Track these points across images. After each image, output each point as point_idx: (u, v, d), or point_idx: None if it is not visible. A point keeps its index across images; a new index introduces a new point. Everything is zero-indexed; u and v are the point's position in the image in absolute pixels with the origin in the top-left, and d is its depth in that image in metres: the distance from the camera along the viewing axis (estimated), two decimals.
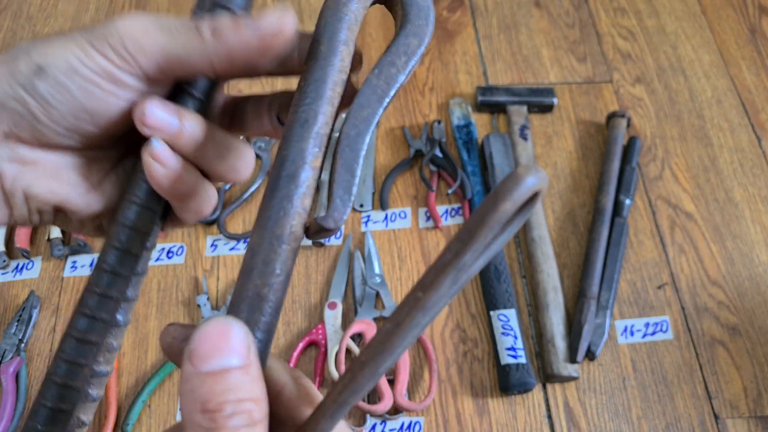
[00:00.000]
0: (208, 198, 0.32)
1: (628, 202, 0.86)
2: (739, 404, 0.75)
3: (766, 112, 0.98)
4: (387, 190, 0.88)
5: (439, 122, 0.94)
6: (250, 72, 0.31)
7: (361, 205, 0.87)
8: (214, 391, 0.21)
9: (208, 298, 0.80)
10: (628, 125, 0.94)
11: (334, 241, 0.85)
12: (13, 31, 1.06)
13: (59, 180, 0.30)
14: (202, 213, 0.32)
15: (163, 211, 0.31)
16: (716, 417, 0.74)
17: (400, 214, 0.87)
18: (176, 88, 0.30)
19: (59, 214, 0.31)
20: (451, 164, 0.89)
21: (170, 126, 0.28)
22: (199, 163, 0.30)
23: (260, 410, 0.22)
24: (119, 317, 0.29)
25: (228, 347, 0.22)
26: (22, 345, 0.77)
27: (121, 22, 0.28)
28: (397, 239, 0.86)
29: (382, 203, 0.87)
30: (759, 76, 1.02)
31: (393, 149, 0.93)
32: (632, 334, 0.79)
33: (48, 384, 0.29)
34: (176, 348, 0.27)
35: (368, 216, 0.87)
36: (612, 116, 0.93)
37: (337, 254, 0.84)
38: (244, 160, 0.32)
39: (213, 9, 0.30)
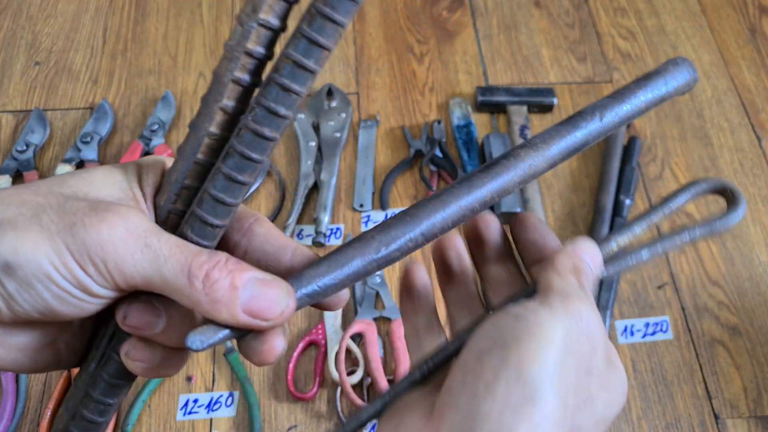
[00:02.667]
0: (182, 364, 0.30)
1: (628, 202, 0.86)
2: (739, 404, 0.75)
3: (766, 112, 0.98)
4: (387, 190, 0.88)
5: (439, 122, 0.94)
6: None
7: (361, 205, 0.87)
8: None
9: None
10: (628, 125, 0.94)
11: (334, 241, 0.85)
12: (13, 31, 1.06)
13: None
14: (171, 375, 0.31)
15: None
16: (716, 417, 0.74)
17: None
18: None
19: None
20: (451, 164, 0.89)
21: (151, 327, 0.27)
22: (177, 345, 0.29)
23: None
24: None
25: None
26: None
27: (107, 233, 0.25)
28: None
29: (382, 203, 0.87)
30: (759, 76, 1.02)
31: (393, 149, 0.93)
32: (632, 334, 0.79)
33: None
34: None
35: (368, 216, 0.87)
36: None
37: None
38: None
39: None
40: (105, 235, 0.25)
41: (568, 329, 0.25)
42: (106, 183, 0.27)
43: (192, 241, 0.27)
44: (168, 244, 0.25)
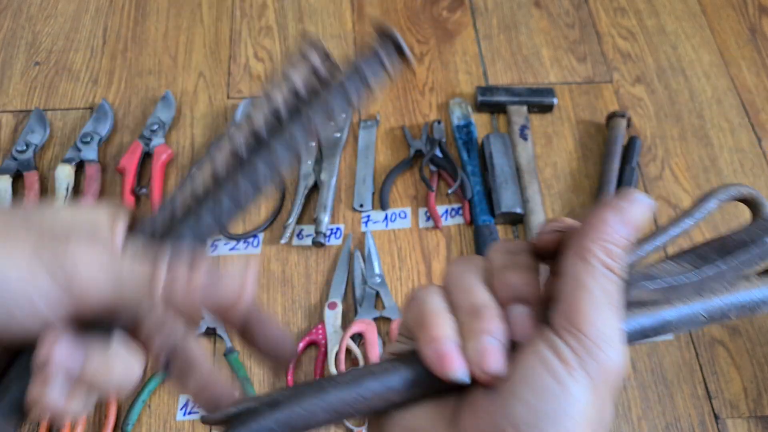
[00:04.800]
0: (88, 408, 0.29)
1: None
2: (739, 404, 0.75)
3: (766, 112, 0.98)
4: (387, 190, 0.88)
5: (439, 122, 0.94)
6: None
7: (361, 205, 0.87)
8: None
9: None
10: (628, 125, 0.94)
11: (334, 241, 0.85)
12: (13, 31, 1.06)
13: None
14: None
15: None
16: (716, 417, 0.74)
17: (400, 214, 0.87)
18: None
19: None
20: (451, 164, 0.89)
21: (73, 370, 0.26)
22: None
23: None
24: None
25: None
26: None
27: (76, 255, 0.25)
28: (397, 239, 0.86)
29: (382, 203, 0.87)
30: (759, 76, 1.02)
31: (393, 149, 0.93)
32: None
33: None
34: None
35: (368, 216, 0.87)
36: (612, 116, 0.93)
37: (337, 254, 0.84)
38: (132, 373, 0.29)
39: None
40: (73, 256, 0.25)
41: (602, 399, 0.25)
42: (80, 216, 0.28)
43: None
44: (130, 258, 0.26)
